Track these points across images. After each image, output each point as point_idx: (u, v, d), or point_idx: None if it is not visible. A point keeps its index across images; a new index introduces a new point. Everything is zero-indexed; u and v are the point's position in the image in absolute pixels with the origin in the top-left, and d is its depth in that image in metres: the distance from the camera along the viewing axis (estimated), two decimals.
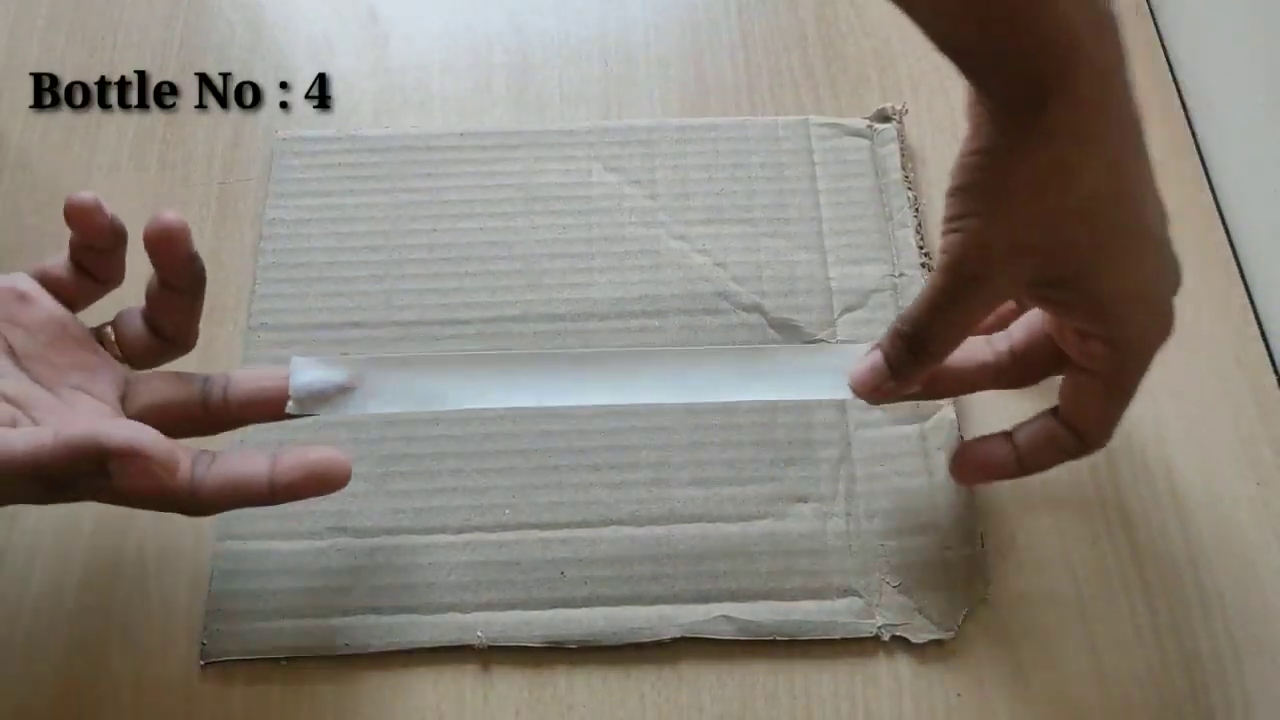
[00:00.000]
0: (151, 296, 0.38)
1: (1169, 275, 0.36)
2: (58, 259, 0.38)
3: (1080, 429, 0.38)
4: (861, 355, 0.39)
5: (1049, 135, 0.32)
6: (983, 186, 0.33)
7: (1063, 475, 0.44)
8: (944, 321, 0.36)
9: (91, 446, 0.31)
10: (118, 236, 0.37)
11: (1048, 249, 0.34)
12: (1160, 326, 0.36)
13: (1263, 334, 0.47)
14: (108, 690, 0.40)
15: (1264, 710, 0.40)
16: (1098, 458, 0.44)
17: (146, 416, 0.37)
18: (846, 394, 0.39)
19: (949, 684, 0.40)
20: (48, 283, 0.37)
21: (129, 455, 0.31)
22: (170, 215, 0.36)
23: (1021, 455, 0.39)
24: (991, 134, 0.33)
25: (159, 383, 0.38)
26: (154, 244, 0.36)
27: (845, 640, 0.41)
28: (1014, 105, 0.32)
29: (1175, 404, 0.46)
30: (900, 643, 0.41)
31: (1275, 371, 0.47)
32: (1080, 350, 0.36)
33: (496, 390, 0.40)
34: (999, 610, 0.41)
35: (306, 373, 0.40)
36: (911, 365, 0.37)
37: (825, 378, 0.40)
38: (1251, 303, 0.48)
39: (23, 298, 0.36)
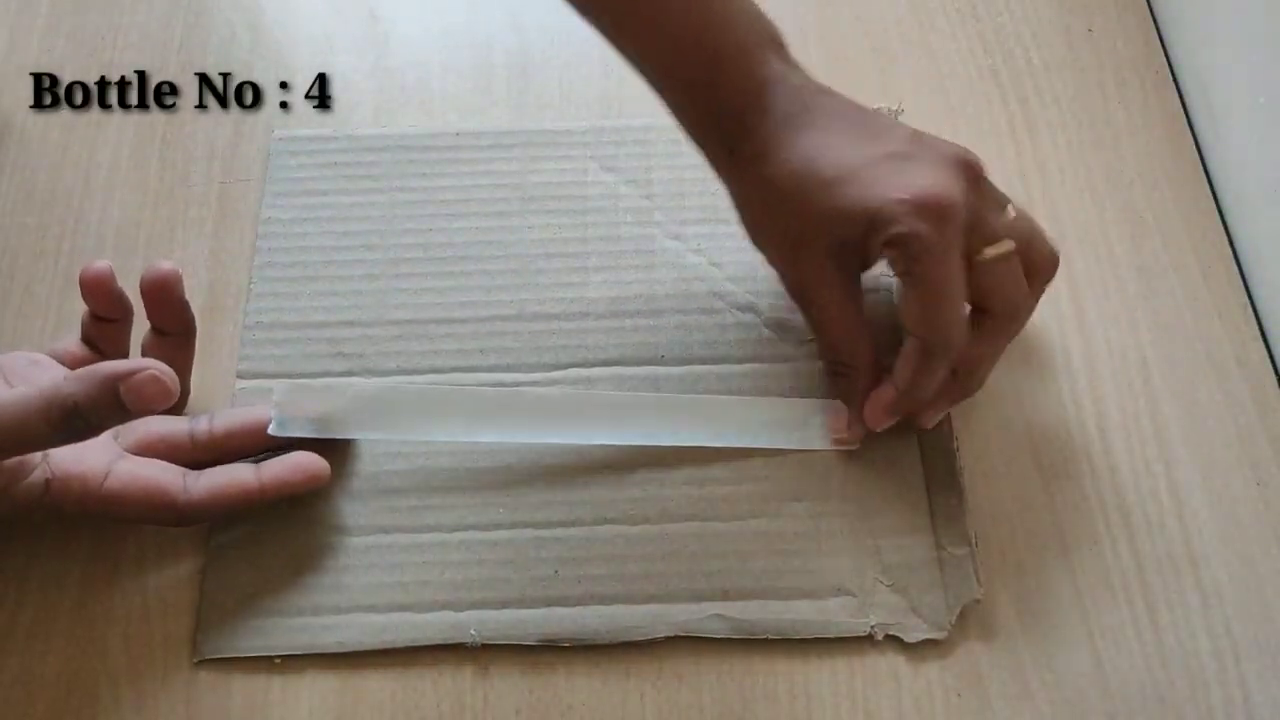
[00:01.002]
0: (147, 346, 0.42)
1: (910, 174, 0.38)
2: (69, 339, 0.42)
3: (912, 330, 0.40)
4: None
5: (745, 166, 0.41)
6: (749, 229, 0.43)
7: (1063, 475, 0.44)
8: (827, 332, 0.43)
9: (100, 374, 0.34)
10: (125, 309, 0.42)
11: (807, 231, 0.40)
12: (925, 214, 0.38)
13: (1263, 334, 0.47)
14: (107, 689, 0.40)
15: (1264, 710, 0.39)
16: (1097, 454, 0.44)
17: (139, 450, 0.41)
18: (818, 444, 0.44)
19: (949, 684, 0.40)
20: (59, 358, 0.41)
21: (134, 371, 0.34)
22: (166, 265, 0.41)
23: (896, 382, 0.42)
24: (728, 187, 0.42)
25: (150, 422, 0.42)
26: (149, 290, 0.41)
27: (845, 640, 0.41)
28: (720, 159, 0.42)
29: (1175, 404, 0.46)
30: (900, 643, 0.41)
31: (1275, 371, 0.47)
32: (891, 264, 0.40)
33: (468, 425, 0.43)
34: (999, 610, 0.41)
35: (288, 399, 0.42)
36: (848, 386, 0.43)
37: (793, 430, 0.44)
38: (1251, 303, 0.48)
39: (35, 362, 0.41)
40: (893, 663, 0.40)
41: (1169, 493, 0.44)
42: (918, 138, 0.40)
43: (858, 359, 0.42)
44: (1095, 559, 0.42)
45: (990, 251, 0.39)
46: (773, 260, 0.43)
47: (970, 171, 0.40)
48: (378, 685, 0.40)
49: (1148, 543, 0.43)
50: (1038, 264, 0.41)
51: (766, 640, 0.41)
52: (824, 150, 0.40)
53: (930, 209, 0.37)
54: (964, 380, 0.42)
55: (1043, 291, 0.42)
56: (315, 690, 0.40)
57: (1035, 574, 0.42)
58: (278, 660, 0.40)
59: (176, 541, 0.42)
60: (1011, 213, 0.40)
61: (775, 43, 0.42)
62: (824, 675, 0.40)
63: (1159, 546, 0.43)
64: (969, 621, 0.41)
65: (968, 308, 0.41)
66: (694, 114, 0.42)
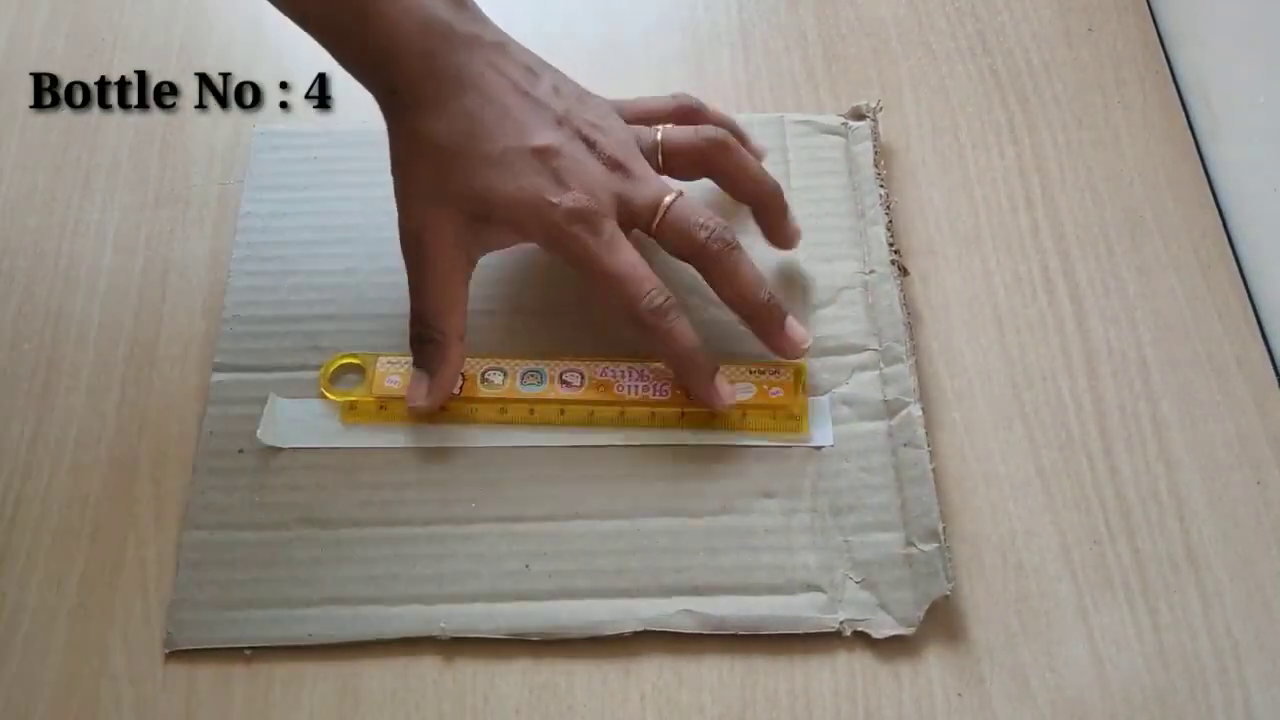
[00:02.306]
0: None
1: (564, 178, 0.42)
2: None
3: (616, 319, 0.44)
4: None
5: (404, 109, 0.42)
6: (393, 164, 0.42)
7: (1063, 475, 0.44)
8: (426, 297, 0.43)
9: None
10: None
11: (450, 194, 0.42)
12: (576, 220, 0.41)
13: (1263, 334, 0.47)
14: (108, 690, 0.40)
15: (1264, 710, 0.39)
16: (1097, 454, 0.44)
17: None
18: (790, 440, 0.44)
19: (949, 684, 0.40)
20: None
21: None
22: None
23: (670, 366, 0.45)
24: (386, 124, 0.43)
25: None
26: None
27: (846, 640, 0.41)
28: (383, 98, 0.42)
29: (1175, 404, 0.46)
30: (901, 642, 0.40)
31: (1275, 371, 0.47)
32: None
33: (444, 430, 0.44)
34: (999, 610, 0.41)
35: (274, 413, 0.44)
36: (434, 354, 0.43)
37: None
38: (1252, 303, 0.48)
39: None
40: (893, 663, 0.40)
41: (1169, 493, 0.44)
42: (570, 125, 0.43)
43: (448, 330, 0.43)
44: (1095, 559, 0.42)
45: None
46: (403, 205, 0.43)
47: (615, 164, 0.43)
48: (378, 685, 0.40)
49: (1148, 543, 0.43)
50: (718, 164, 0.46)
51: (767, 641, 0.40)
52: (484, 124, 0.41)
53: (580, 215, 0.41)
54: (760, 314, 0.44)
55: (749, 172, 0.46)
56: (316, 691, 0.40)
57: (1035, 574, 0.42)
58: (248, 652, 0.40)
59: (177, 543, 0.42)
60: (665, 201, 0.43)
61: None
62: (824, 675, 0.40)
63: (1159, 546, 0.43)
64: (969, 621, 0.41)
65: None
66: (349, 53, 0.42)
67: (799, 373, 0.45)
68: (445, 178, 0.42)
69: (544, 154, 0.42)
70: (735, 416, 0.44)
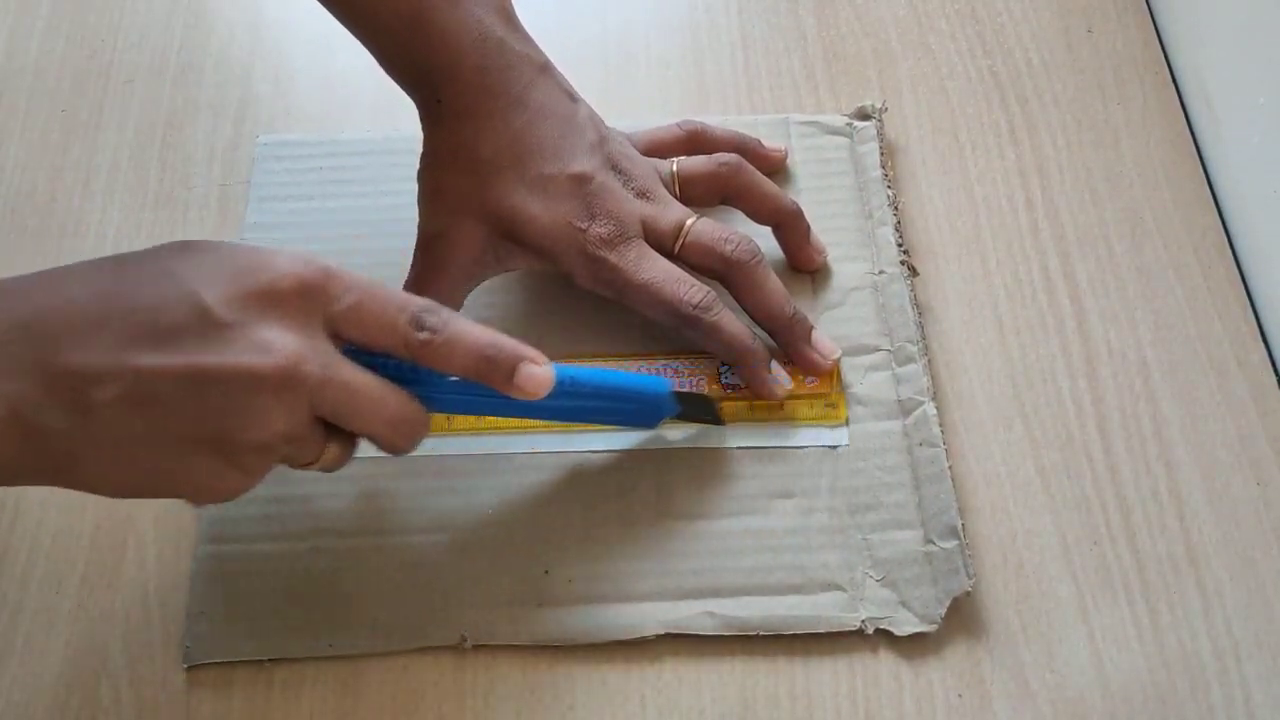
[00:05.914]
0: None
1: (594, 205, 0.43)
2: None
3: (657, 319, 0.44)
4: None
5: (448, 116, 0.42)
6: (425, 167, 0.43)
7: (1063, 475, 0.44)
8: (427, 292, 0.40)
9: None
10: None
11: (487, 205, 0.42)
12: (608, 246, 0.42)
13: (1263, 334, 0.47)
14: (108, 691, 0.40)
15: (1265, 710, 0.39)
16: (1097, 454, 0.44)
17: None
18: (807, 441, 0.44)
19: (950, 684, 0.40)
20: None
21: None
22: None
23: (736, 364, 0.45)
24: (424, 129, 0.43)
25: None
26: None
27: (846, 641, 0.41)
28: (426, 103, 0.43)
29: (1175, 404, 0.46)
30: (901, 643, 0.41)
31: (1275, 371, 0.47)
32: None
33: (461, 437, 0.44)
34: (999, 610, 0.41)
35: None
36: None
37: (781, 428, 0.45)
38: (1251, 303, 0.48)
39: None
40: (894, 663, 0.40)
41: (1169, 493, 0.44)
42: (603, 152, 0.44)
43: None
44: (1095, 559, 0.42)
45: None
46: (430, 209, 0.43)
47: (641, 192, 0.44)
48: (378, 687, 0.40)
49: (1148, 543, 0.43)
50: (732, 188, 0.47)
51: (768, 641, 0.41)
52: (527, 145, 0.42)
53: (607, 241, 0.42)
54: (787, 327, 0.45)
55: (759, 192, 0.47)
56: (315, 692, 0.40)
57: (1035, 574, 0.42)
58: (267, 663, 0.40)
59: (177, 543, 0.42)
60: (690, 223, 0.44)
61: (497, 4, 0.43)
62: (825, 676, 0.40)
63: (1159, 546, 0.43)
64: (969, 622, 0.41)
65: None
66: (396, 59, 0.43)
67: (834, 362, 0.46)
68: (482, 191, 0.42)
69: (579, 180, 0.43)
70: (774, 405, 0.44)
